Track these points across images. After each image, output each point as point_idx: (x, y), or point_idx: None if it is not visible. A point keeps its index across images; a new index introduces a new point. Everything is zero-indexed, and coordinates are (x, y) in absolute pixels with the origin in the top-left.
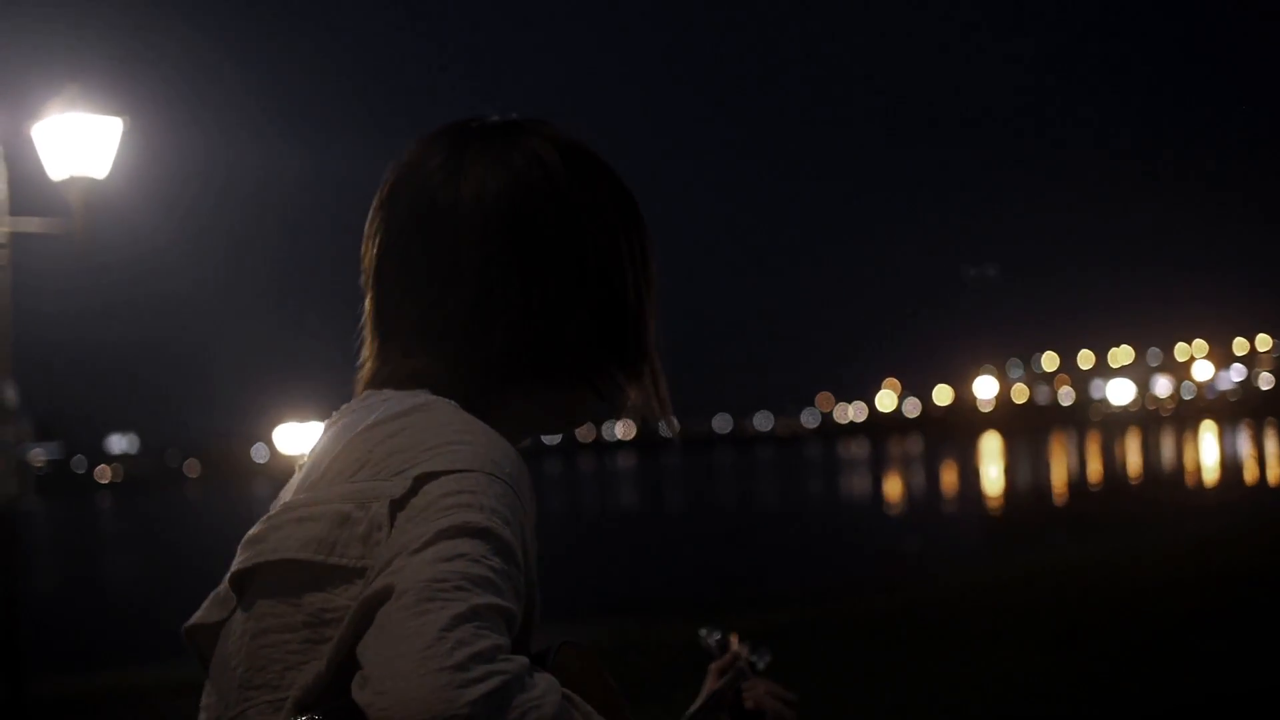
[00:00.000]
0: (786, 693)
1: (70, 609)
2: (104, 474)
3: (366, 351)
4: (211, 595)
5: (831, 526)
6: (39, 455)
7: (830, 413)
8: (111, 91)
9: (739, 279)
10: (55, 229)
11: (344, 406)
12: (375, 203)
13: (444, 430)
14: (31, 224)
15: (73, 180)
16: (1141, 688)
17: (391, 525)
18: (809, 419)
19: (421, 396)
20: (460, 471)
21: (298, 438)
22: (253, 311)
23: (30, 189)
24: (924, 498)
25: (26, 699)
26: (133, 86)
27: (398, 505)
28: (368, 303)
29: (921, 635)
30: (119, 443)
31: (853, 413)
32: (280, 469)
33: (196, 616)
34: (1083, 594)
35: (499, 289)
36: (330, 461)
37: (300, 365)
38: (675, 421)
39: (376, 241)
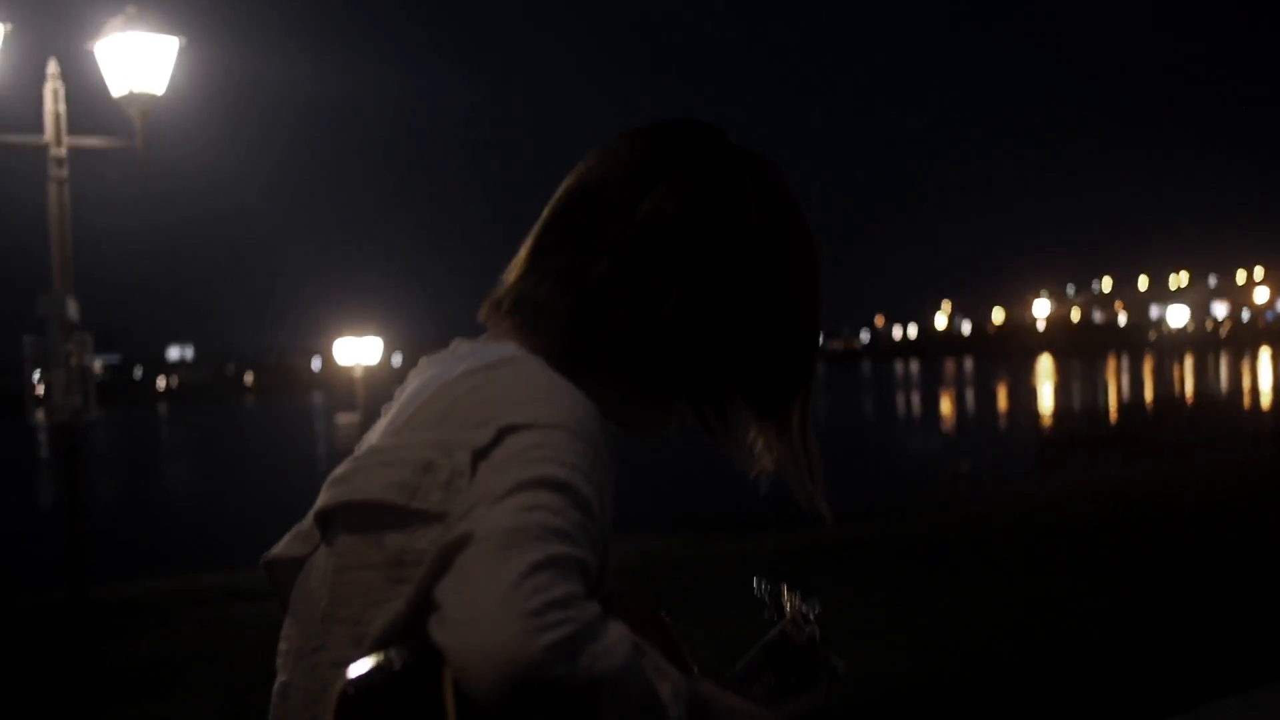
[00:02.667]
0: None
1: (130, 516)
2: (163, 384)
3: (514, 270)
4: (294, 529)
5: (883, 445)
6: (99, 365)
7: (884, 329)
8: (171, 10)
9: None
10: (115, 145)
11: (434, 355)
12: (590, 156)
13: (531, 386)
14: (92, 141)
15: (132, 96)
16: (1180, 611)
17: (473, 474)
18: (864, 338)
19: (511, 350)
20: (544, 426)
21: (354, 351)
22: (313, 227)
23: (90, 107)
24: (976, 418)
25: (89, 604)
26: (194, 5)
27: (480, 454)
28: (536, 230)
29: (966, 555)
30: (178, 353)
31: (907, 331)
32: (336, 381)
33: (277, 550)
34: (1132, 517)
35: (626, 287)
36: (418, 408)
37: (357, 281)
38: (825, 501)
39: (560, 192)
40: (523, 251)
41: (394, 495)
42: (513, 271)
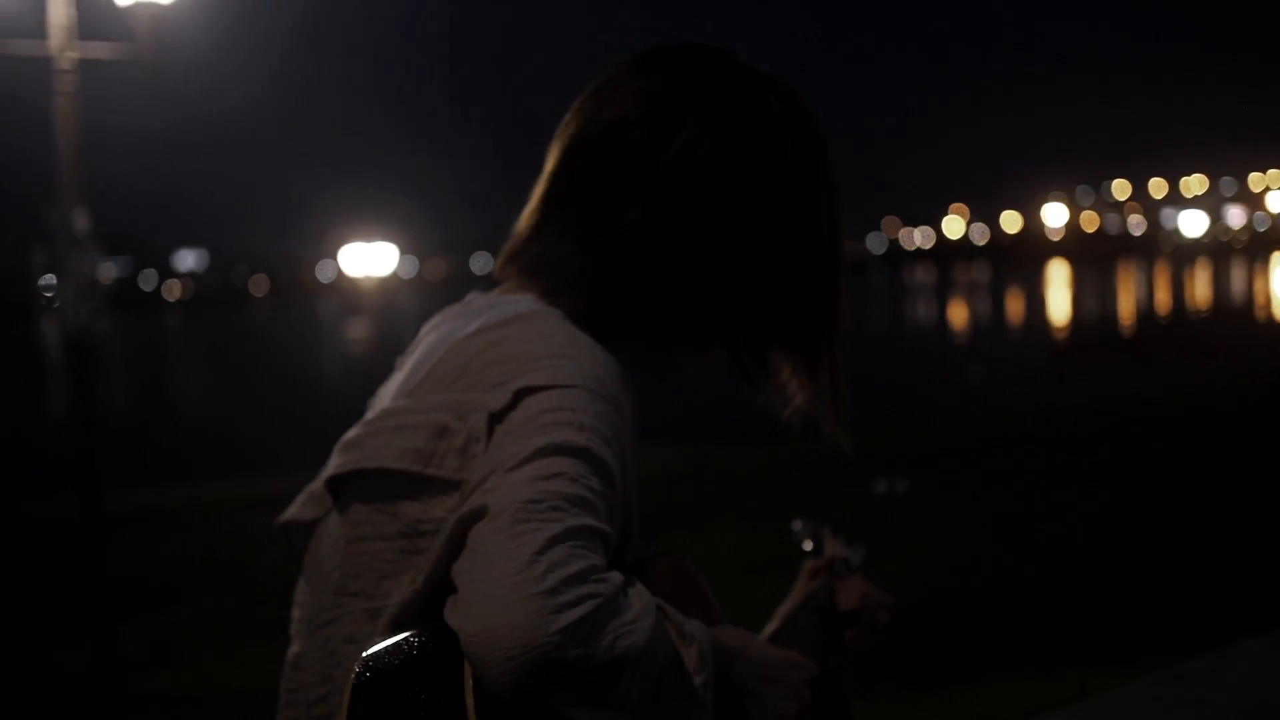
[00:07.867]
0: (881, 594)
1: (142, 426)
2: (172, 290)
3: (526, 219)
4: (305, 491)
5: (894, 353)
6: (108, 271)
7: (897, 239)
8: None
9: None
10: (123, 54)
11: (447, 309)
12: (588, 91)
13: (547, 343)
14: (100, 49)
15: (139, 4)
16: (1194, 519)
17: (489, 439)
18: (874, 243)
19: (526, 305)
20: (561, 387)
21: (362, 258)
22: (321, 132)
23: (98, 14)
24: (989, 325)
25: (100, 515)
26: None
27: (496, 419)
28: (546, 177)
29: (978, 466)
30: (188, 258)
31: (920, 238)
32: (344, 290)
33: (290, 512)
34: (1144, 426)
35: (663, 233)
36: (432, 367)
37: (367, 186)
38: (850, 439)
39: (569, 133)
40: (534, 200)
41: (408, 462)
42: (525, 221)
